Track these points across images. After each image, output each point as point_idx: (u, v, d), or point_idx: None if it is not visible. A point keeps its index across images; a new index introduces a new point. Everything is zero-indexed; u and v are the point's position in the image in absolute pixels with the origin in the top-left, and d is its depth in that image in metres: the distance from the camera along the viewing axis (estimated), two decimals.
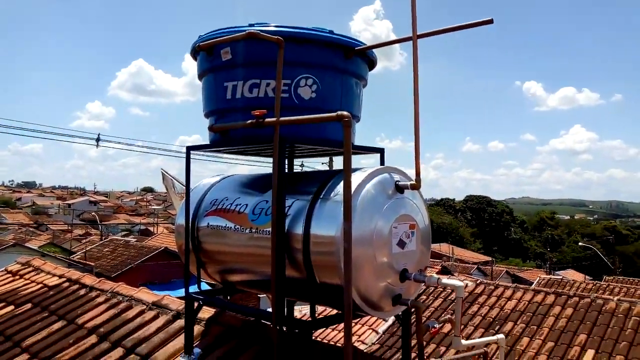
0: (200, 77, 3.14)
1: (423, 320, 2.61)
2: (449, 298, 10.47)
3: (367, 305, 2.56)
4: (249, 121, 2.65)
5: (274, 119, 2.54)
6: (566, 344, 8.39)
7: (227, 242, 3.09)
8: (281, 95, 2.66)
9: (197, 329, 3.60)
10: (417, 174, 2.62)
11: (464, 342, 2.55)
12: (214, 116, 3.04)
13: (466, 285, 10.83)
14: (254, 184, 3.27)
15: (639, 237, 67.27)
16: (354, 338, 9.62)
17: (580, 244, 51.79)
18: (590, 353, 8.00)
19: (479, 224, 65.75)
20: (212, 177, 3.69)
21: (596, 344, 8.16)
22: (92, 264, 24.91)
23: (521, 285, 11.21)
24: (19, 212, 60.09)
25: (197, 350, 3.29)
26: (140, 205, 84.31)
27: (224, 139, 2.98)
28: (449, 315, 2.69)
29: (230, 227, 3.03)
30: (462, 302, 2.45)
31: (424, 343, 2.52)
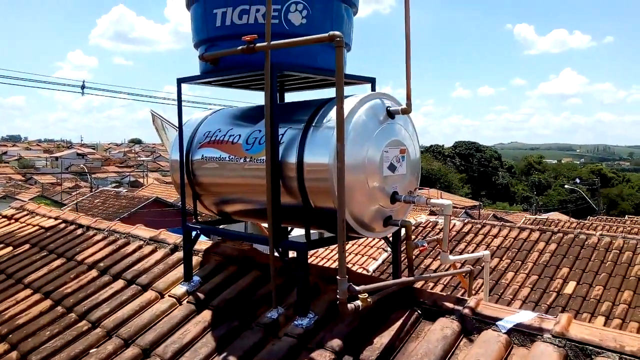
0: (188, 6, 3.09)
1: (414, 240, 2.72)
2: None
3: (360, 226, 2.66)
4: (240, 47, 2.64)
5: (264, 44, 2.54)
6: (549, 277, 8.76)
7: (222, 173, 3.15)
8: (271, 21, 2.64)
9: (195, 259, 3.71)
10: (408, 97, 2.65)
11: (451, 257, 2.67)
12: (204, 45, 3.02)
13: (454, 225, 11.13)
14: (246, 115, 3.29)
15: (624, 179, 68.60)
16: (356, 267, 10.02)
17: (566, 186, 52.78)
18: (571, 285, 8.39)
19: (468, 169, 66.48)
20: (204, 111, 3.70)
21: (578, 276, 8.53)
22: (84, 214, 25.11)
23: (507, 224, 11.53)
24: (5, 166, 59.56)
25: (196, 277, 3.41)
26: (128, 157, 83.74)
27: (215, 68, 2.98)
28: (437, 236, 2.81)
29: (225, 158, 3.07)
30: (450, 220, 2.56)
31: (413, 258, 2.65)
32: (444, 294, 2.55)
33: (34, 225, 5.52)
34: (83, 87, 13.62)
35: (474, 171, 65.87)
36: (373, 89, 3.18)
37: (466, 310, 2.36)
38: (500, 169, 71.02)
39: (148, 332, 3.02)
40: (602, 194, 50.13)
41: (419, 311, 2.50)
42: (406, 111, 2.70)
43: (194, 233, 3.39)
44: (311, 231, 2.82)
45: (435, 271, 9.25)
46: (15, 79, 13.01)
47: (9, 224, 5.84)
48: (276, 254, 2.82)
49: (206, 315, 3.00)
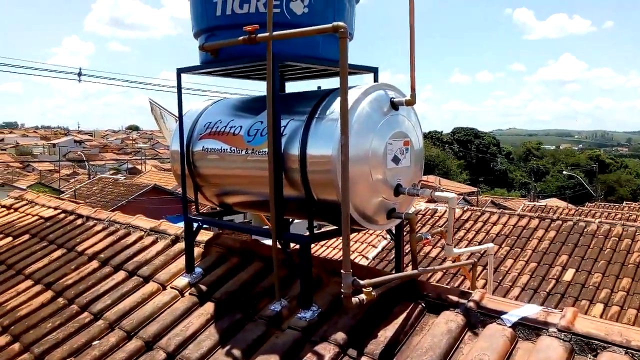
0: None
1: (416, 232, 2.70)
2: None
3: (363, 219, 2.64)
4: (241, 37, 2.59)
5: (266, 34, 2.49)
6: (548, 264, 8.79)
7: (224, 165, 3.11)
8: (273, 10, 2.59)
9: (197, 251, 3.69)
10: (412, 89, 2.62)
11: (455, 250, 2.66)
12: (204, 35, 2.97)
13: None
14: (248, 106, 3.25)
15: (621, 165, 68.69)
16: (356, 255, 10.05)
17: (564, 172, 52.83)
18: (570, 272, 8.42)
19: (466, 155, 66.46)
20: (204, 101, 3.66)
21: (577, 264, 8.57)
22: (82, 202, 25.10)
23: (507, 211, 11.54)
24: (3, 153, 59.34)
25: (198, 269, 3.40)
26: (126, 144, 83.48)
27: (215, 58, 2.93)
28: (440, 228, 2.79)
29: (226, 150, 3.04)
30: (454, 213, 2.54)
31: (417, 251, 2.63)
32: (448, 286, 2.54)
33: (33, 215, 5.49)
34: (80, 74, 13.50)
35: (473, 157, 65.87)
36: (376, 78, 3.14)
37: (471, 304, 2.35)
38: (499, 155, 71.03)
39: (151, 324, 3.02)
40: (599, 180, 50.25)
41: (423, 304, 2.49)
42: (410, 102, 2.66)
43: (195, 225, 3.36)
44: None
45: (435, 259, 9.29)
46: (12, 66, 12.90)
47: (8, 213, 5.81)
48: (278, 245, 2.81)
49: (209, 307, 2.99)
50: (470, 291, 2.43)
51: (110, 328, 3.11)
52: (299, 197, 2.73)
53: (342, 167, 2.22)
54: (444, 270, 9.02)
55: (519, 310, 2.20)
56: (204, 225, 3.47)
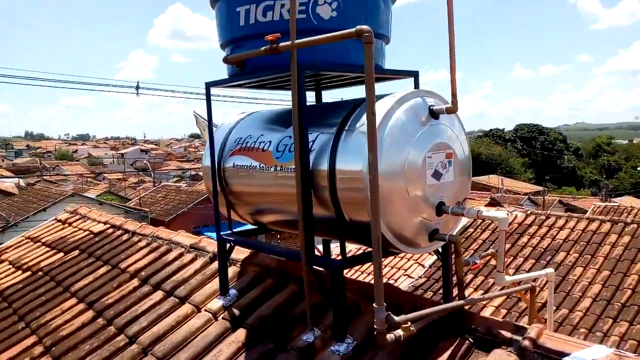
0: (212, 4, 2.89)
1: (465, 254, 2.40)
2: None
3: (401, 241, 2.37)
4: (263, 48, 2.41)
5: (288, 43, 2.29)
6: (623, 272, 8.05)
7: (254, 182, 2.95)
8: (297, 16, 2.39)
9: (233, 269, 3.56)
10: (453, 95, 2.33)
11: (507, 277, 2.34)
12: (230, 46, 2.82)
13: (515, 216, 10.47)
14: (278, 119, 3.07)
15: None
16: (400, 272, 9.61)
17: (639, 168, 49.28)
18: None
19: (530, 153, 63.52)
20: (237, 114, 3.52)
21: None
22: (147, 209, 26.09)
23: (574, 214, 10.71)
24: (76, 163, 63.15)
25: (232, 291, 3.25)
26: (189, 152, 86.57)
27: (242, 71, 2.77)
28: (491, 250, 2.47)
29: (256, 166, 2.87)
30: (506, 235, 2.22)
31: (464, 279, 2.33)
32: (500, 319, 2.22)
33: (84, 230, 5.60)
34: (137, 87, 13.95)
35: (537, 155, 62.84)
36: (416, 83, 2.86)
37: (526, 342, 2.03)
38: (566, 151, 67.35)
39: (182, 350, 2.90)
40: None
41: (470, 339, 2.20)
42: (452, 110, 2.38)
43: (228, 245, 3.22)
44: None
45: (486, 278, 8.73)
46: (81, 83, 13.53)
47: (63, 228, 5.97)
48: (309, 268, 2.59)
49: (240, 334, 2.83)
50: (525, 326, 2.11)
51: (143, 353, 3.03)
52: (329, 217, 2.51)
53: (371, 187, 1.97)
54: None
55: (584, 352, 1.87)
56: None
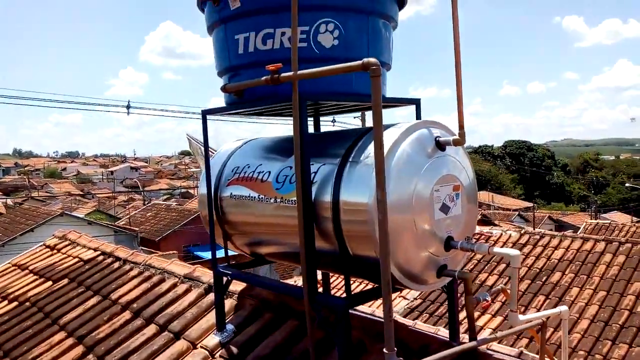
0: (209, 30, 2.82)
1: (473, 292, 2.31)
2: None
3: (408, 278, 2.28)
4: (264, 78, 2.33)
5: (290, 73, 2.21)
6: (619, 292, 7.99)
7: (253, 213, 2.84)
8: (299, 45, 2.31)
9: (230, 302, 3.44)
10: (461, 127, 2.26)
11: (521, 317, 2.24)
12: (228, 74, 2.74)
13: (509, 236, 10.43)
14: (278, 147, 2.98)
15: None
16: (395, 294, 9.43)
17: (627, 184, 49.78)
18: None
19: (519, 169, 63.98)
20: (234, 141, 3.43)
21: None
22: (137, 229, 25.72)
23: (568, 234, 10.69)
24: (65, 181, 62.42)
25: (230, 326, 3.13)
26: (179, 169, 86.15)
27: (240, 99, 2.68)
28: (501, 285, 2.38)
29: (255, 197, 2.77)
30: (518, 273, 2.11)
31: (475, 316, 2.23)
32: None
33: (74, 257, 5.43)
34: (128, 107, 13.82)
35: (526, 171, 63.30)
36: (418, 112, 2.80)
37: None
38: (554, 167, 67.97)
39: None
40: None
41: None
42: (459, 142, 2.31)
43: (225, 278, 3.10)
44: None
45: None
46: (70, 102, 13.34)
47: (51, 254, 5.79)
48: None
49: None
50: None
51: None
52: (332, 250, 2.41)
53: (379, 227, 1.88)
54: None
55: None
56: None
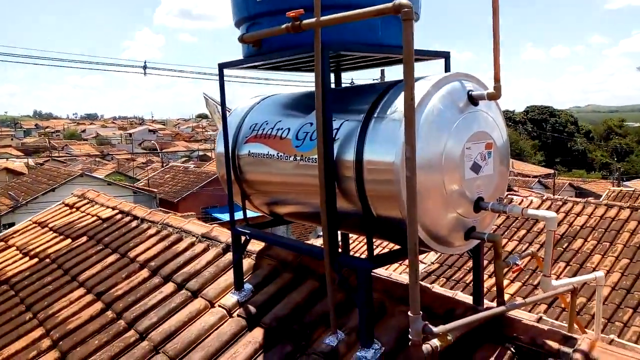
0: None
1: (503, 256, 2.20)
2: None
3: (434, 240, 2.17)
4: (284, 25, 2.18)
5: (313, 20, 2.06)
6: None
7: (271, 172, 2.74)
8: None
9: (248, 262, 3.39)
10: (497, 79, 2.10)
11: (554, 282, 2.13)
12: (246, 24, 2.58)
13: (531, 202, 10.22)
14: (297, 103, 2.85)
15: None
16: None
17: None
18: None
19: (541, 135, 62.70)
20: (252, 98, 3.30)
21: None
22: (155, 190, 26.04)
23: (592, 200, 10.42)
24: (84, 143, 63.17)
25: (248, 286, 3.08)
26: (196, 132, 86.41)
27: (258, 51, 2.54)
28: (532, 250, 2.26)
29: (273, 155, 2.66)
30: (553, 236, 1.98)
31: (503, 281, 2.13)
32: (546, 327, 2.02)
33: (92, 215, 5.45)
34: (145, 67, 13.70)
35: (548, 137, 62.02)
36: (448, 66, 2.62)
37: (577, 355, 1.83)
38: (577, 134, 66.41)
39: (195, 350, 2.73)
40: None
41: (512, 349, 2.01)
42: (494, 97, 2.15)
43: (243, 237, 3.03)
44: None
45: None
46: (88, 63, 13.27)
47: (70, 212, 5.82)
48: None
49: (257, 334, 2.66)
50: (576, 336, 1.91)
51: (154, 351, 2.87)
52: (354, 211, 2.31)
53: (407, 186, 1.76)
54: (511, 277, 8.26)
55: None
56: None
